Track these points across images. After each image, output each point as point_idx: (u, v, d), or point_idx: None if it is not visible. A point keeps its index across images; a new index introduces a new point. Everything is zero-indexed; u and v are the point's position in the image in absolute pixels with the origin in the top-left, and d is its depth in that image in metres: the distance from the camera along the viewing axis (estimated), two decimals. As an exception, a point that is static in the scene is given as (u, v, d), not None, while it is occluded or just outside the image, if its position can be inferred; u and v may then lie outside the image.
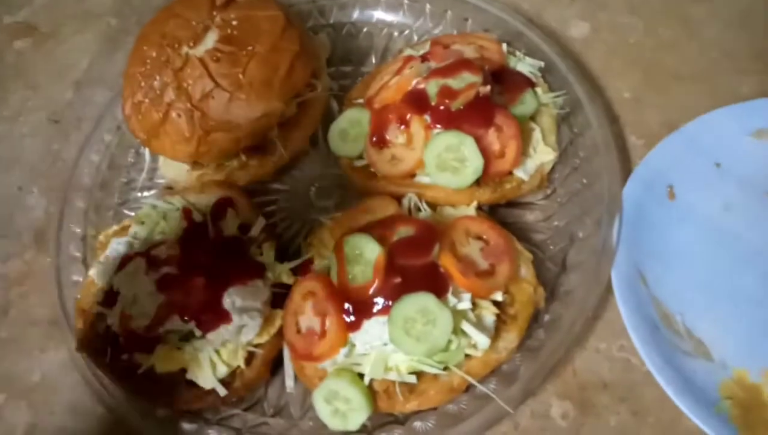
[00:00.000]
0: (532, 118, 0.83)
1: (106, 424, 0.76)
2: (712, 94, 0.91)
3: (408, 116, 0.79)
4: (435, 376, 0.68)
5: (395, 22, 1.01)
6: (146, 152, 0.93)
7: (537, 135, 0.82)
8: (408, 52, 0.90)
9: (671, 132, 0.84)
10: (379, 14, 1.02)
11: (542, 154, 0.82)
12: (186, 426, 0.71)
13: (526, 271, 0.73)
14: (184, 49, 0.82)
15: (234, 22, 0.83)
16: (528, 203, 0.84)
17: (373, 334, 0.67)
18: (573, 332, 0.70)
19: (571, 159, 0.84)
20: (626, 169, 0.84)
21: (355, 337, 0.68)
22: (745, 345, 0.72)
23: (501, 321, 0.70)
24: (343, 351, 0.69)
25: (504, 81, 0.83)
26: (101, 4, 1.20)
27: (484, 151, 0.76)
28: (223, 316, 0.70)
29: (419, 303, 0.65)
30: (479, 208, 0.79)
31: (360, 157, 0.85)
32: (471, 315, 0.68)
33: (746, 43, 0.97)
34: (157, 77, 0.82)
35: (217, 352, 0.71)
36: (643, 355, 0.69)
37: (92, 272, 0.77)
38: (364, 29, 1.03)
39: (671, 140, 0.83)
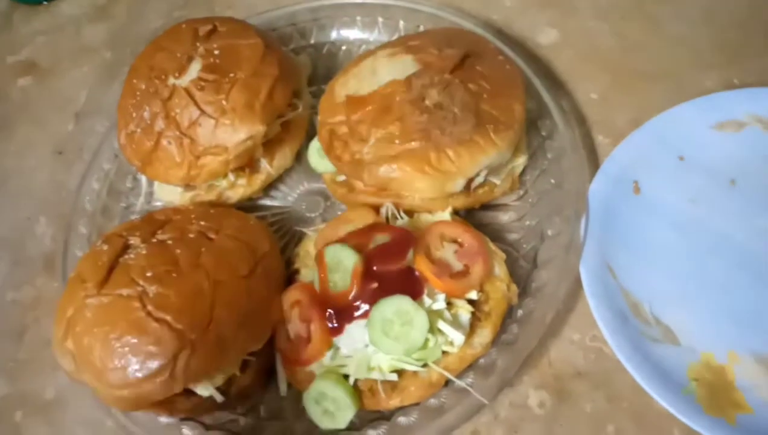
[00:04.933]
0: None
1: (115, 434, 0.81)
2: (678, 90, 0.95)
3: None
4: (415, 373, 0.72)
5: (371, 39, 1.06)
6: (143, 178, 0.99)
7: (507, 140, 0.87)
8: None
9: (636, 129, 0.89)
10: (356, 33, 1.08)
11: (513, 158, 0.86)
12: (187, 432, 0.76)
13: (500, 269, 0.78)
14: (171, 80, 0.88)
15: (216, 52, 0.89)
16: (502, 205, 0.89)
17: (355, 337, 0.72)
18: (544, 325, 0.74)
19: (540, 161, 0.89)
20: (594, 167, 0.88)
21: (338, 340, 0.73)
22: (711, 329, 0.76)
23: (476, 318, 0.74)
24: (329, 354, 0.73)
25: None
26: (96, 39, 1.26)
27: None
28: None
29: (395, 305, 0.70)
30: (456, 212, 0.84)
31: (339, 172, 0.90)
32: (447, 314, 0.73)
33: (709, 38, 1.00)
34: (147, 108, 0.88)
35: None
36: (612, 344, 0.73)
37: None
38: (343, 47, 1.08)
39: (635, 136, 0.87)
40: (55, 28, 1.30)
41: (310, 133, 0.97)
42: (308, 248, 0.84)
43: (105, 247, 0.80)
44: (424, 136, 0.79)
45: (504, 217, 0.88)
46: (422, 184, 0.80)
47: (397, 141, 0.79)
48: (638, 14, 1.05)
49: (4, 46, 1.29)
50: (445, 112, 0.80)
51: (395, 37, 1.05)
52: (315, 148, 0.91)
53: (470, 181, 0.82)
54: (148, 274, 0.75)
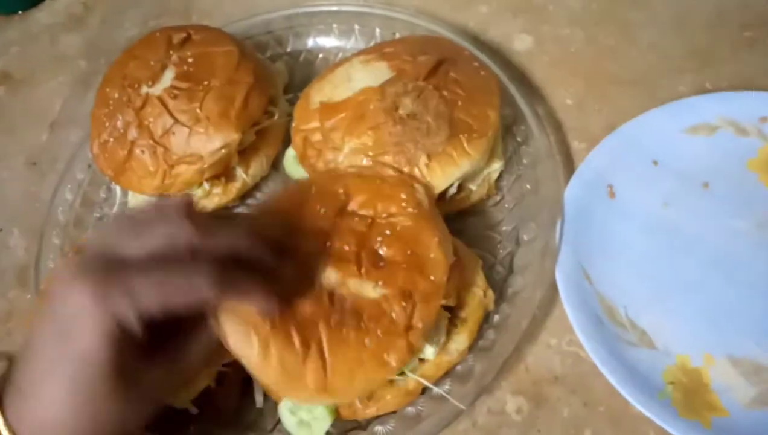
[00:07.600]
0: (478, 130, 0.88)
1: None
2: (651, 96, 0.95)
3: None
4: (391, 381, 0.72)
5: (348, 47, 1.06)
6: (117, 188, 0.97)
7: (482, 146, 0.87)
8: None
9: (611, 134, 0.89)
10: (332, 41, 1.07)
11: (489, 164, 0.86)
12: (160, 446, 0.75)
13: (476, 275, 0.77)
14: (144, 88, 0.87)
15: (190, 60, 0.89)
16: (479, 211, 0.89)
17: (330, 345, 0.71)
18: (521, 330, 0.74)
19: (516, 166, 0.89)
20: (570, 172, 0.88)
21: (314, 349, 0.72)
22: (687, 331, 0.76)
23: (452, 324, 0.74)
24: (304, 363, 0.72)
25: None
26: (71, 48, 1.25)
27: None
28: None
29: (371, 313, 0.69)
30: (432, 219, 0.83)
31: (317, 178, 0.89)
32: (422, 321, 0.72)
33: (682, 44, 1.01)
34: (120, 117, 0.87)
35: (188, 372, 0.75)
36: (588, 349, 0.73)
37: None
38: (320, 55, 1.07)
39: (609, 141, 0.87)
40: (29, 38, 1.28)
41: (287, 141, 0.96)
42: (283, 257, 0.83)
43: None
44: (397, 150, 0.78)
45: (481, 223, 0.88)
46: (395, 197, 0.79)
47: (370, 153, 0.79)
48: (612, 21, 1.06)
49: (-24, 57, 1.27)
50: (419, 122, 0.79)
51: (372, 44, 1.05)
52: (291, 155, 0.90)
53: (444, 192, 0.82)
54: None
